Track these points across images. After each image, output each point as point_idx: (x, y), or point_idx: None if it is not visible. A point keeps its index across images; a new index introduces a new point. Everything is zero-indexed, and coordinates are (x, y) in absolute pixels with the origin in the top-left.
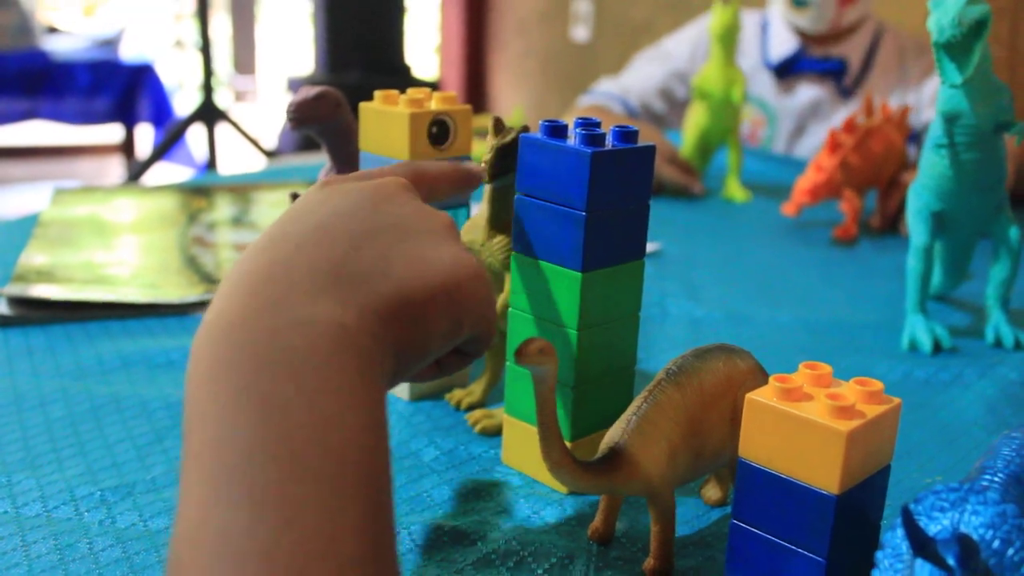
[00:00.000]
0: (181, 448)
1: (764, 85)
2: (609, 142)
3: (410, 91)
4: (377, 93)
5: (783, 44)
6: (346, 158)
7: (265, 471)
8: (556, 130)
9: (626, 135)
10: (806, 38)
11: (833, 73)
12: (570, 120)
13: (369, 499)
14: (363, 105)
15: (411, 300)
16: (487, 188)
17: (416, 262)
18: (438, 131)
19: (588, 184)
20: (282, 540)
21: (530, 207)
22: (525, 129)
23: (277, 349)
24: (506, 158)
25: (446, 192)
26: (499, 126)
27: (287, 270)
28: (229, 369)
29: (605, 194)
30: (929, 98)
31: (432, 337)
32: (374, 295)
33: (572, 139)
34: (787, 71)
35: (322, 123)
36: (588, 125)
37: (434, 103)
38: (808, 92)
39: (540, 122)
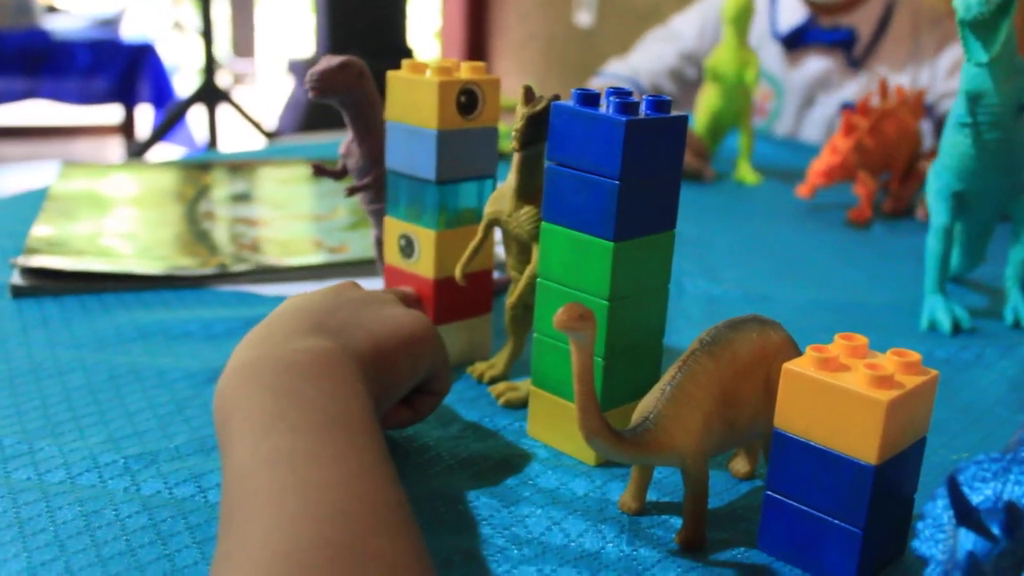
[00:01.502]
0: (218, 431)
1: (772, 57)
2: (642, 111)
3: (439, 60)
4: (405, 62)
5: (792, 14)
6: (368, 129)
7: (285, 433)
8: (588, 98)
9: (659, 104)
10: (816, 7)
11: (842, 43)
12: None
13: (368, 449)
14: (391, 74)
15: (380, 345)
16: (516, 157)
17: (381, 319)
18: (466, 100)
19: (622, 153)
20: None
21: (561, 176)
22: (556, 97)
23: (287, 363)
24: (537, 126)
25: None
26: (530, 95)
27: (282, 328)
28: (254, 380)
29: (638, 163)
30: (944, 71)
31: (398, 375)
32: (352, 340)
33: (604, 107)
34: (796, 42)
35: (344, 93)
36: (621, 94)
37: (463, 72)
38: (816, 64)
39: (572, 90)
